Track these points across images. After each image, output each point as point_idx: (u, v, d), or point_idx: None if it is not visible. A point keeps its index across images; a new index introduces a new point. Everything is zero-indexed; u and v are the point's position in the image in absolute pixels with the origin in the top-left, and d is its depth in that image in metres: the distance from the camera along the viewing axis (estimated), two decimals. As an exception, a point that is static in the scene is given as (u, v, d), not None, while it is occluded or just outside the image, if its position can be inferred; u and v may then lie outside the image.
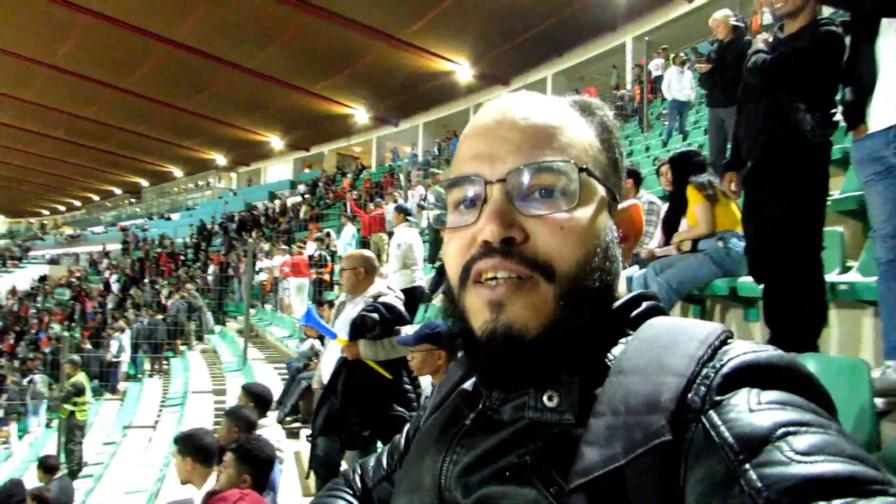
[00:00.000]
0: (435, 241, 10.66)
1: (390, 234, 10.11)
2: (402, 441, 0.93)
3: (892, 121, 2.58)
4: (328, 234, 14.57)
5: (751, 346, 0.57)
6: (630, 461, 0.53)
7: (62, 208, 54.39)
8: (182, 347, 14.96)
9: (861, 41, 2.69)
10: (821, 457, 0.47)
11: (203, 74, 23.87)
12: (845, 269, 3.62)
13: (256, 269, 14.84)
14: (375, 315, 3.84)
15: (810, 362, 2.64)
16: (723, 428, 0.51)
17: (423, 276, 7.48)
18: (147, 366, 14.83)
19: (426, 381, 3.91)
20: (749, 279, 3.54)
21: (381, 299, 3.98)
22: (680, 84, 10.16)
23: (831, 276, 3.38)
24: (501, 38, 20.38)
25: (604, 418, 0.57)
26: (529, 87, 22.31)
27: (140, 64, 23.21)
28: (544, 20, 19.11)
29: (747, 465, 0.48)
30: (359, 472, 0.97)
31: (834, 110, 3.04)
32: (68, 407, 9.68)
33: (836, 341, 3.47)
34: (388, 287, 4.22)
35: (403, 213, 7.60)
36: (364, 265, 4.17)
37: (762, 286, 3.30)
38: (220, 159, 37.24)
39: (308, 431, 5.26)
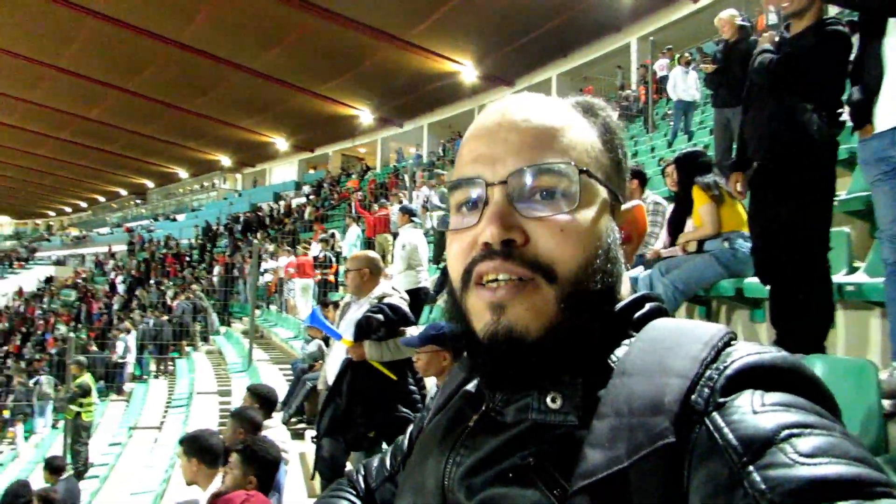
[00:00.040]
0: (440, 242, 10.65)
1: (395, 235, 10.12)
2: (406, 442, 0.93)
3: (899, 121, 2.57)
4: (332, 235, 14.58)
5: (754, 347, 0.57)
6: (633, 463, 0.53)
7: (68, 209, 54.57)
8: (187, 348, 14.99)
9: (869, 40, 2.68)
10: (825, 459, 0.46)
11: (208, 76, 23.94)
12: (852, 270, 3.60)
13: (261, 270, 14.86)
14: (380, 316, 3.84)
15: (817, 363, 2.63)
16: (726, 430, 0.51)
17: (427, 277, 7.48)
18: (153, 367, 14.87)
19: (431, 382, 3.91)
20: (755, 280, 3.52)
21: (385, 300, 3.97)
22: (685, 84, 10.15)
23: (838, 277, 3.36)
24: (506, 38, 20.39)
25: (607, 420, 0.57)
26: (534, 87, 22.33)
27: (145, 65, 23.30)
28: (549, 21, 19.11)
29: (751, 468, 0.48)
30: (362, 472, 0.97)
31: (841, 110, 3.03)
32: (74, 408, 9.70)
33: (843, 342, 3.46)
34: (393, 288, 4.22)
35: (408, 213, 7.60)
36: (369, 266, 4.16)
37: (768, 287, 3.29)
38: (226, 160, 37.35)
39: (313, 432, 5.26)
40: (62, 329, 22.15)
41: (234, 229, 26.06)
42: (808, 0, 3.03)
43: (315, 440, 4.16)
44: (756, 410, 0.51)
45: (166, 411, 10.54)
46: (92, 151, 34.58)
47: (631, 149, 11.68)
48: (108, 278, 28.47)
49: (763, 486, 0.46)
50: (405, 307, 4.03)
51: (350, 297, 4.37)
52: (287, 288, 13.83)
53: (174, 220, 38.69)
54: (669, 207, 4.81)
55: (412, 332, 3.79)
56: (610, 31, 20.65)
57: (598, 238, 0.67)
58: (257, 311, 12.79)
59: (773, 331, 3.33)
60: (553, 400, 0.63)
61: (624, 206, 0.73)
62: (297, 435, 6.76)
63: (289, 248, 15.41)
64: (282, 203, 29.23)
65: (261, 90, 25.07)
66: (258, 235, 21.72)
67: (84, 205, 52.59)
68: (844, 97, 3.08)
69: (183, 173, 41.40)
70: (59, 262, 38.72)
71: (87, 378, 10.14)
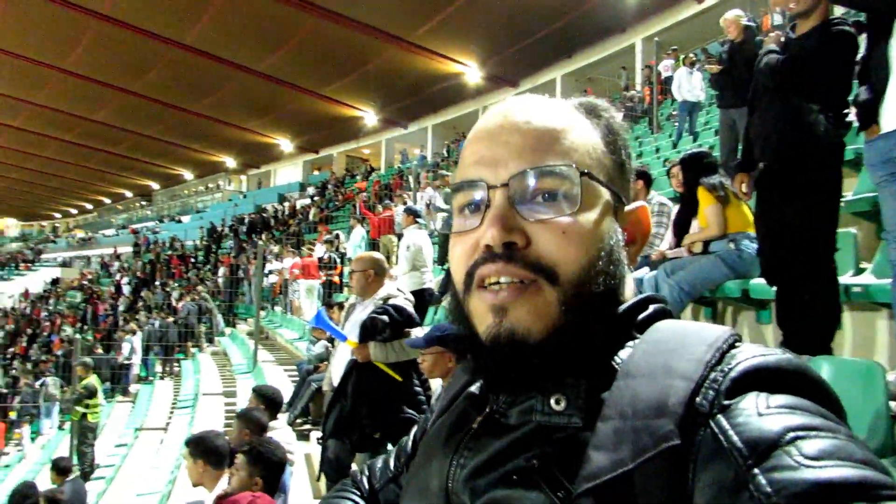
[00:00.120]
0: (444, 243, 10.64)
1: (399, 236, 10.12)
2: (409, 443, 0.94)
3: (905, 121, 2.56)
4: (337, 237, 14.59)
5: (759, 349, 0.57)
6: (638, 465, 0.53)
7: (74, 211, 54.75)
8: (192, 350, 15.01)
9: (876, 41, 2.67)
10: (830, 461, 0.46)
11: (213, 77, 23.98)
12: (859, 271, 3.59)
13: (266, 271, 14.88)
14: (385, 317, 3.84)
15: (824, 365, 2.62)
16: (731, 432, 0.50)
17: (432, 278, 7.48)
18: (158, 368, 14.89)
19: (436, 384, 3.90)
20: (761, 281, 3.52)
21: (390, 301, 3.97)
22: (690, 85, 10.13)
23: (845, 278, 3.35)
24: (510, 39, 20.37)
25: (611, 422, 0.56)
26: (538, 88, 22.31)
27: (150, 67, 23.36)
28: (553, 21, 19.09)
29: (756, 470, 0.47)
30: (366, 473, 0.97)
31: (847, 110, 3.02)
32: (80, 409, 9.72)
33: (850, 344, 3.45)
34: (398, 289, 4.21)
35: (413, 214, 7.60)
36: (374, 267, 4.16)
37: (774, 288, 3.28)
38: (230, 162, 37.42)
39: (318, 433, 5.26)
40: (68, 330, 22.20)
41: (239, 231, 26.11)
42: (814, 0, 3.03)
43: (320, 441, 4.16)
44: (761, 413, 0.51)
45: (172, 412, 10.57)
46: (97, 153, 34.68)
47: (636, 149, 11.67)
48: (113, 280, 28.54)
49: (768, 489, 0.46)
50: (410, 308, 4.03)
51: (355, 298, 4.36)
52: (292, 289, 13.84)
53: (179, 221, 38.76)
54: (675, 208, 4.80)
55: (417, 333, 3.79)
56: (614, 32, 20.61)
57: (600, 240, 0.67)
58: (262, 313, 12.80)
59: (779, 332, 3.32)
60: (557, 402, 0.63)
61: (628, 208, 0.73)
62: (303, 436, 6.77)
63: (293, 250, 15.42)
64: (286, 204, 29.26)
65: (265, 92, 25.10)
66: (263, 237, 21.75)
67: (89, 206, 52.74)
68: (851, 97, 3.07)
69: (188, 175, 41.48)
70: (65, 264, 38.85)
71: (93, 379, 10.16)
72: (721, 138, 6.87)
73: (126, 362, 14.64)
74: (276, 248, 17.14)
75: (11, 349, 25.24)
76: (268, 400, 4.60)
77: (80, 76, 24.24)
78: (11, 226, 59.27)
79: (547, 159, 0.66)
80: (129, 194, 47.96)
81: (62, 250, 43.50)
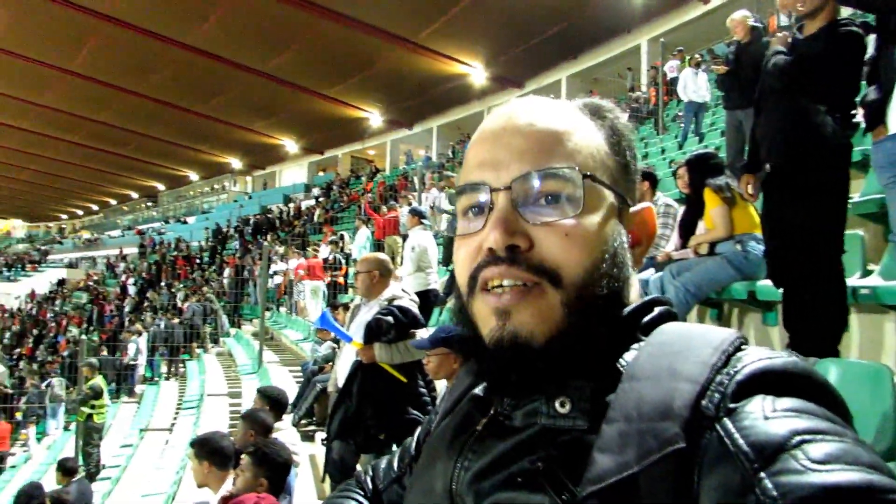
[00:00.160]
0: (449, 244, 10.63)
1: (404, 237, 10.12)
2: (413, 444, 0.94)
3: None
4: (341, 237, 14.60)
5: (765, 352, 0.57)
6: (643, 468, 0.52)
7: (80, 212, 54.95)
8: (198, 350, 15.04)
9: (884, 42, 2.66)
10: (837, 465, 0.46)
11: (219, 79, 24.06)
12: (866, 273, 3.57)
13: (271, 272, 14.90)
14: (390, 318, 3.83)
15: (831, 367, 2.61)
16: (737, 436, 0.50)
17: (437, 279, 7.47)
18: (163, 369, 14.92)
19: (441, 385, 3.90)
20: (768, 283, 3.50)
21: (395, 302, 3.97)
22: (695, 85, 10.12)
23: (852, 280, 3.34)
24: (515, 40, 20.39)
25: (616, 425, 0.56)
26: (544, 89, 22.31)
27: (156, 69, 23.44)
28: (559, 22, 19.09)
29: (763, 474, 0.47)
30: (370, 473, 0.97)
31: (854, 111, 3.01)
32: (86, 410, 9.74)
33: (857, 346, 3.43)
34: (403, 290, 4.21)
35: (418, 215, 7.60)
36: (379, 268, 4.16)
37: (781, 290, 3.26)
38: (236, 163, 37.53)
39: (323, 435, 5.26)
40: (74, 331, 22.27)
41: (245, 231, 26.18)
42: (821, 1, 3.01)
43: (325, 442, 4.16)
44: (767, 416, 0.50)
45: (177, 413, 10.59)
46: (103, 154, 34.79)
47: (641, 150, 11.65)
48: (119, 281, 28.63)
49: (775, 493, 0.46)
50: (415, 309, 4.03)
51: (360, 299, 4.36)
52: (297, 290, 13.87)
53: (185, 222, 38.89)
54: (680, 209, 4.79)
55: (422, 334, 3.79)
56: (620, 33, 20.60)
57: (603, 242, 0.66)
58: (267, 313, 12.82)
59: (785, 334, 3.31)
60: (562, 404, 0.63)
61: (633, 209, 0.73)
62: (307, 437, 6.77)
63: (298, 251, 15.44)
64: (291, 205, 29.31)
65: (271, 93, 25.17)
66: (268, 238, 21.79)
67: (95, 208, 52.92)
68: (858, 98, 3.06)
69: (193, 176, 41.61)
70: (71, 265, 38.99)
71: (98, 380, 10.18)
72: (727, 139, 6.85)
73: (132, 363, 14.66)
74: (281, 249, 17.18)
75: (18, 350, 25.35)
76: (273, 401, 4.61)
77: (86, 77, 24.34)
78: (18, 227, 59.56)
79: (550, 162, 0.66)
80: (134, 195, 48.11)
81: (68, 251, 43.66)
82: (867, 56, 3.03)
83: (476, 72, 23.01)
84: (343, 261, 13.42)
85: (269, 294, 14.60)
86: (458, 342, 3.08)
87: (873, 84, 2.77)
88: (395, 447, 3.96)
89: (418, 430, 0.95)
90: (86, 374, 10.22)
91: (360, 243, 12.89)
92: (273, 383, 7.27)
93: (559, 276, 0.64)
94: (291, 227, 24.39)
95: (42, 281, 36.45)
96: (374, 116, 28.26)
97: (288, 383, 8.53)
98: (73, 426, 11.04)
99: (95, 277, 33.04)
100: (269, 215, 27.77)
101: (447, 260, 10.32)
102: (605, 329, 0.65)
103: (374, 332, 3.83)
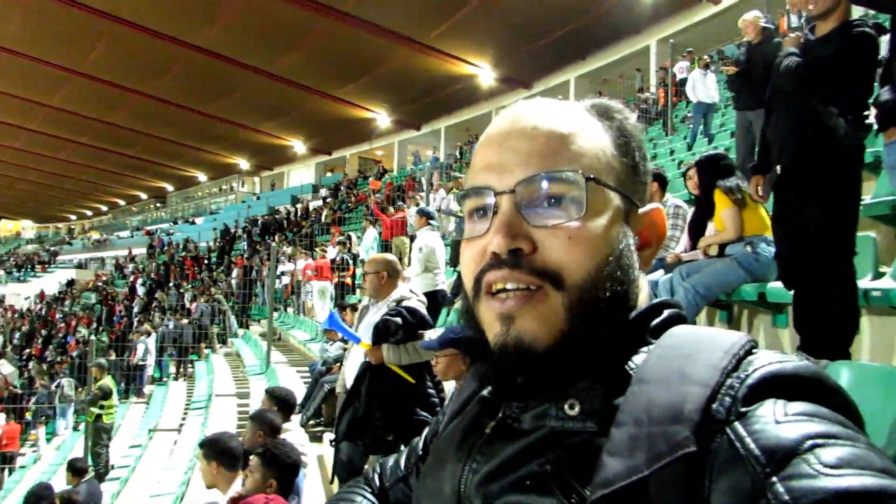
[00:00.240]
0: (457, 245, 10.61)
1: (412, 238, 10.11)
2: (421, 444, 0.94)
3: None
4: (349, 238, 14.62)
5: (776, 356, 0.56)
6: (653, 472, 0.52)
7: (89, 213, 55.25)
8: (206, 351, 15.08)
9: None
10: (850, 470, 0.46)
11: (227, 80, 24.13)
12: (878, 276, 3.55)
13: (279, 272, 14.92)
14: (398, 319, 3.83)
15: (843, 370, 2.59)
16: (749, 440, 0.50)
17: (445, 280, 7.47)
18: (172, 369, 14.97)
19: (449, 386, 3.89)
20: (778, 284, 3.49)
21: (403, 303, 3.97)
22: (704, 86, 10.08)
23: (864, 283, 3.32)
24: (524, 41, 20.36)
25: (626, 428, 0.56)
26: (552, 90, 22.29)
27: (165, 70, 23.54)
28: (567, 23, 19.06)
29: (774, 478, 0.47)
30: (378, 471, 0.98)
31: (867, 112, 2.98)
32: (95, 410, 9.77)
33: (869, 349, 3.41)
34: (411, 291, 4.20)
35: (425, 216, 7.59)
36: (387, 269, 4.15)
37: (792, 292, 3.25)
38: (244, 164, 37.66)
39: (331, 435, 5.26)
40: (83, 332, 22.37)
41: (253, 232, 26.25)
42: (833, 1, 2.99)
43: (333, 443, 4.16)
44: (779, 420, 0.50)
45: (185, 413, 10.61)
46: (112, 155, 34.97)
47: (650, 151, 11.55)
48: (127, 281, 28.76)
49: (787, 497, 0.45)
50: (423, 310, 4.02)
51: (368, 300, 4.36)
52: (305, 290, 13.89)
53: (193, 223, 39.07)
54: (690, 211, 4.77)
55: (430, 335, 3.79)
56: (629, 34, 20.54)
57: (608, 245, 0.66)
58: (275, 314, 12.84)
59: (795, 336, 3.29)
60: (571, 407, 0.63)
61: (642, 210, 0.73)
62: (315, 437, 6.77)
63: (306, 251, 15.46)
64: (299, 206, 29.37)
65: (279, 94, 25.22)
66: (276, 238, 21.84)
67: (105, 208, 53.22)
68: (871, 99, 3.03)
69: (202, 177, 41.77)
70: (81, 266, 39.21)
71: (107, 380, 10.22)
72: (737, 140, 6.83)
73: (140, 363, 14.71)
74: (288, 250, 17.21)
75: (27, 350, 25.50)
76: (281, 401, 4.61)
77: (96, 79, 24.47)
78: (28, 228, 59.93)
79: (554, 165, 0.66)
80: (143, 196, 48.34)
81: (77, 252, 43.94)
82: (880, 57, 3.01)
83: (484, 72, 23.01)
84: (351, 261, 13.43)
85: (276, 294, 14.62)
86: (465, 343, 3.09)
87: (886, 85, 2.75)
88: (403, 448, 3.96)
89: (426, 430, 0.95)
90: (95, 374, 10.25)
91: (367, 244, 12.89)
92: (281, 384, 7.28)
93: (562, 279, 0.64)
94: (299, 228, 24.43)
95: (51, 281, 36.70)
96: (381, 117, 28.30)
97: (296, 384, 8.53)
98: (82, 426, 11.08)
99: (104, 278, 33.24)
100: (277, 216, 27.87)
101: (455, 261, 10.31)
102: (609, 331, 0.65)
103: (382, 332, 3.83)
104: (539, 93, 20.82)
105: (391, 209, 14.18)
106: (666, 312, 0.69)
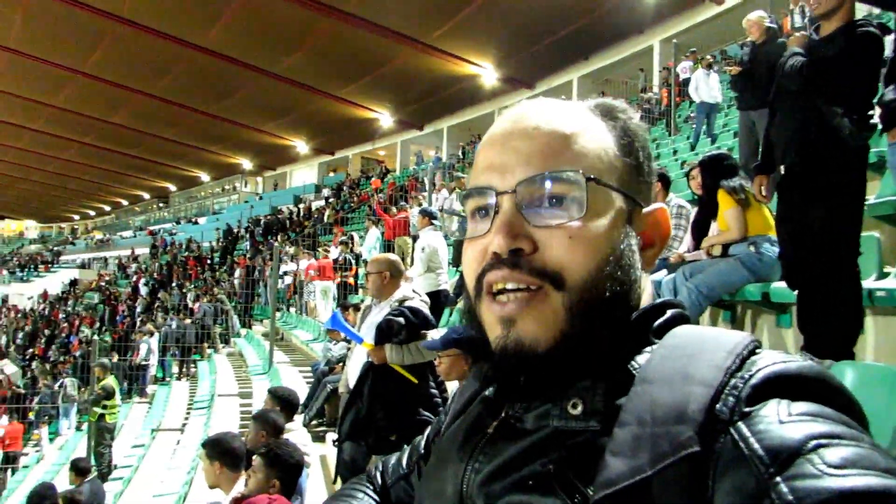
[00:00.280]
0: (459, 245, 10.59)
1: (414, 238, 10.12)
2: (423, 443, 0.95)
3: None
4: (351, 238, 14.63)
5: (780, 356, 0.56)
6: (657, 472, 0.52)
7: (92, 213, 55.32)
8: (208, 351, 15.09)
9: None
10: (854, 470, 0.45)
11: (230, 80, 24.16)
12: (882, 276, 3.54)
13: (281, 272, 14.93)
14: (401, 319, 3.82)
15: (848, 370, 2.59)
16: (752, 440, 0.50)
17: (447, 280, 7.47)
18: (175, 369, 14.98)
19: (452, 386, 3.89)
20: (782, 284, 3.48)
21: (406, 303, 3.96)
22: (707, 86, 10.07)
23: (868, 283, 3.31)
24: (527, 41, 20.35)
25: (629, 428, 0.56)
26: (554, 90, 22.27)
27: (168, 70, 23.58)
28: (570, 23, 19.04)
29: (778, 478, 0.47)
30: (380, 468, 0.99)
31: (871, 112, 2.98)
32: (98, 410, 9.79)
33: (873, 349, 3.40)
34: (414, 291, 4.20)
35: (428, 216, 7.59)
36: (389, 269, 4.15)
37: (796, 292, 3.24)
38: (247, 164, 37.68)
39: (334, 435, 5.26)
40: (86, 332, 22.40)
41: (255, 232, 26.25)
42: (836, 1, 2.99)
43: (336, 443, 4.16)
44: (783, 420, 0.50)
45: (188, 413, 10.62)
46: (115, 155, 35.03)
47: (653, 151, 11.57)
48: (130, 281, 28.79)
49: (791, 497, 0.45)
50: (426, 310, 4.02)
51: (370, 300, 4.36)
52: (307, 290, 13.89)
53: (196, 223, 39.09)
54: (693, 211, 4.77)
55: (433, 335, 3.78)
56: (632, 34, 20.52)
57: (609, 245, 0.66)
58: (277, 314, 12.85)
59: (799, 336, 3.29)
60: (574, 406, 0.63)
61: (646, 209, 0.73)
62: (318, 437, 6.77)
63: (308, 251, 15.47)
64: (302, 206, 29.38)
65: (282, 94, 25.24)
66: (278, 238, 21.85)
67: (107, 208, 53.28)
68: (875, 99, 3.02)
69: (205, 177, 41.80)
70: (84, 266, 39.25)
71: (110, 380, 10.23)
72: (740, 140, 6.82)
73: (143, 363, 14.73)
74: (291, 250, 17.22)
75: (30, 350, 25.53)
76: (284, 401, 4.61)
77: (99, 79, 24.51)
78: (31, 227, 60.03)
79: (555, 165, 0.66)
80: (146, 196, 48.40)
81: (80, 252, 43.98)
82: (884, 56, 3.00)
83: (487, 73, 23.00)
84: (353, 261, 13.44)
85: (279, 294, 14.62)
86: (468, 344, 3.09)
87: (890, 84, 2.74)
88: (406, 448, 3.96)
89: (428, 429, 0.96)
90: (98, 374, 10.27)
91: (369, 244, 12.89)
92: (283, 384, 7.28)
93: (562, 280, 0.64)
94: (302, 228, 24.43)
95: (54, 281, 36.74)
96: (384, 117, 28.30)
97: (298, 384, 8.54)
98: (85, 426, 11.10)
99: (107, 278, 33.26)
100: (280, 216, 27.85)
101: (457, 261, 10.31)
102: (610, 331, 0.65)
103: (384, 332, 3.82)
104: (542, 93, 20.79)
105: (394, 209, 14.18)
106: (669, 312, 0.69)
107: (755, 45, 6.23)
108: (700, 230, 4.45)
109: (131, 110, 27.87)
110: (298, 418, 6.31)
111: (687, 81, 12.29)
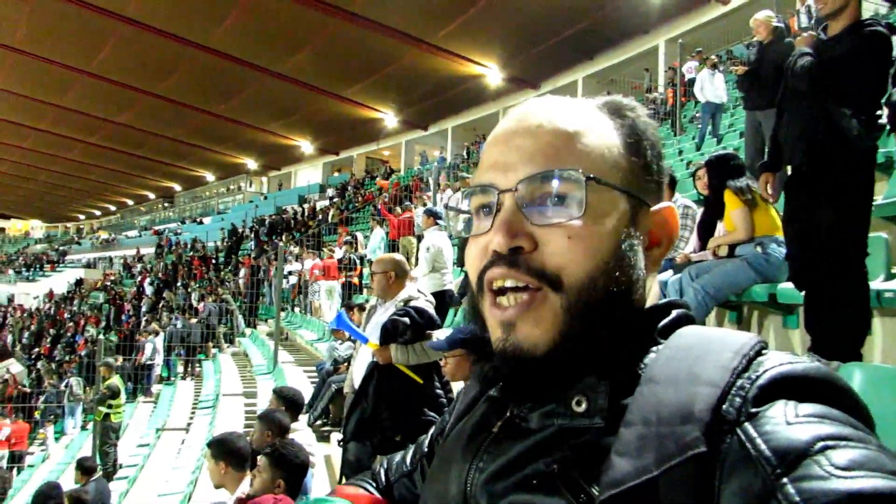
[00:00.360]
0: (464, 245, 10.58)
1: (419, 238, 10.11)
2: (427, 441, 0.95)
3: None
4: (354, 238, 14.64)
5: (786, 357, 0.56)
6: (663, 472, 0.52)
7: (98, 213, 55.47)
8: (213, 350, 15.11)
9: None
10: (861, 472, 0.45)
11: (235, 80, 24.18)
12: (890, 276, 3.52)
13: (285, 272, 14.94)
14: (406, 319, 3.83)
15: (856, 371, 2.57)
16: (759, 441, 0.50)
17: (452, 280, 7.47)
18: (180, 368, 15.00)
19: (458, 386, 3.88)
20: (789, 285, 3.46)
21: (411, 303, 3.96)
22: (712, 86, 10.04)
23: (876, 284, 3.30)
24: (532, 41, 20.32)
25: (634, 428, 0.56)
26: (559, 90, 22.22)
27: (173, 70, 23.62)
28: (575, 23, 19.01)
29: (785, 479, 0.47)
30: (384, 466, 0.99)
31: (880, 112, 2.96)
32: (103, 409, 9.81)
33: (880, 350, 3.39)
34: (419, 291, 4.20)
35: (433, 216, 7.59)
36: (395, 269, 4.15)
37: (803, 293, 3.22)
38: (252, 163, 37.72)
39: (338, 435, 5.26)
40: (92, 331, 22.46)
41: (260, 232, 26.27)
42: (842, 1, 2.97)
43: (341, 444, 4.16)
44: (790, 421, 0.50)
45: (193, 413, 10.64)
46: (121, 155, 35.12)
47: (658, 151, 11.54)
48: (135, 281, 28.86)
49: (797, 499, 0.45)
50: (431, 310, 4.02)
51: (376, 300, 4.36)
52: (312, 290, 13.90)
53: (201, 222, 39.15)
54: (699, 211, 4.75)
55: (438, 335, 3.78)
56: (637, 34, 20.46)
57: (609, 244, 0.66)
58: (282, 314, 12.86)
59: (805, 337, 3.27)
60: (578, 403, 0.63)
61: (654, 208, 0.72)
62: (323, 438, 6.78)
63: (313, 251, 15.48)
64: (306, 206, 29.40)
65: (287, 94, 25.26)
66: (283, 238, 21.86)
67: (113, 208, 53.41)
68: (883, 99, 3.01)
69: (210, 176, 41.87)
70: (89, 265, 39.37)
71: (116, 380, 10.26)
72: (746, 140, 6.80)
73: (148, 363, 14.77)
74: (296, 250, 17.23)
75: (36, 349, 25.61)
76: (289, 401, 4.61)
77: (105, 79, 24.56)
78: (37, 227, 60.24)
79: (557, 163, 0.66)
80: (151, 196, 48.50)
81: (86, 251, 44.12)
82: (893, 56, 2.98)
83: (492, 73, 22.97)
84: (358, 261, 13.44)
85: (283, 294, 14.64)
86: (474, 344, 3.08)
87: (898, 84, 2.73)
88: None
89: (432, 428, 0.97)
90: (103, 373, 10.30)
91: (374, 244, 12.89)
92: (288, 383, 7.29)
93: (560, 280, 0.64)
94: (306, 228, 24.44)
95: (60, 281, 36.87)
96: (389, 117, 28.31)
97: (303, 384, 8.55)
98: (90, 425, 11.13)
99: (113, 277, 33.38)
100: (285, 216, 27.86)
101: (462, 261, 10.28)
102: (610, 332, 0.65)
103: (389, 333, 3.83)
104: (546, 93, 20.64)
105: (398, 209, 14.17)
106: (674, 313, 0.69)
107: (762, 44, 6.21)
108: (706, 230, 4.43)
109: (136, 110, 27.93)
110: (303, 418, 6.31)
111: (692, 81, 12.26)
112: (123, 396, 10.58)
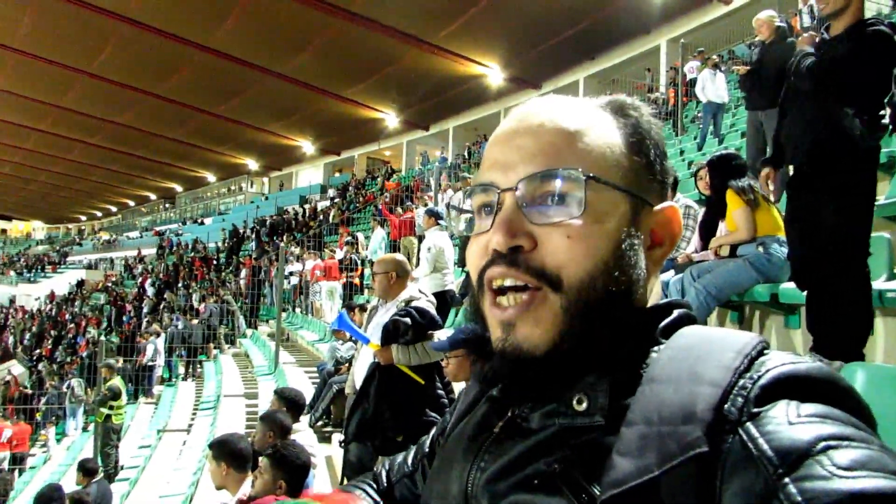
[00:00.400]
0: (465, 245, 10.58)
1: (420, 238, 10.11)
2: (428, 442, 0.95)
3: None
4: (355, 238, 14.64)
5: (788, 357, 0.56)
6: (665, 472, 0.52)
7: (99, 214, 55.56)
8: (214, 351, 15.11)
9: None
10: (863, 472, 0.45)
11: (236, 80, 24.21)
12: (892, 276, 3.52)
13: (286, 272, 14.94)
14: (408, 320, 3.82)
15: (858, 371, 2.56)
16: (761, 440, 0.50)
17: (453, 280, 7.46)
18: (181, 369, 15.00)
19: (459, 387, 3.88)
20: (791, 285, 3.46)
21: (413, 304, 3.96)
22: (714, 86, 10.04)
23: (878, 283, 3.29)
24: (533, 41, 20.34)
25: (636, 427, 0.56)
26: (561, 90, 22.22)
27: (175, 71, 23.65)
28: (577, 23, 19.02)
29: (787, 479, 0.46)
30: (386, 467, 0.99)
31: (883, 112, 2.95)
32: (104, 410, 9.81)
33: (883, 350, 3.38)
34: (420, 291, 4.19)
35: (434, 216, 7.58)
36: (396, 269, 4.15)
37: (805, 292, 3.22)
38: (253, 164, 37.77)
39: (340, 436, 5.26)
40: (93, 332, 22.47)
41: (261, 232, 26.27)
42: (844, 0, 2.96)
43: (343, 444, 4.15)
44: (792, 421, 0.50)
45: (194, 414, 10.63)
46: (122, 156, 35.18)
47: (659, 151, 11.55)
48: (137, 282, 28.87)
49: (799, 499, 0.45)
50: (432, 310, 4.01)
51: (377, 300, 4.36)
52: (313, 290, 13.90)
53: (202, 223, 39.19)
54: (701, 211, 4.75)
55: (440, 335, 3.77)
56: (639, 34, 20.47)
57: (609, 244, 0.66)
58: (283, 314, 12.86)
59: (808, 337, 3.27)
60: (579, 402, 0.63)
61: (657, 207, 0.72)
62: (324, 438, 6.77)
63: (314, 252, 15.48)
64: (307, 206, 29.42)
65: (288, 94, 25.30)
66: (284, 238, 21.86)
67: (114, 209, 53.49)
68: (886, 99, 3.00)
69: (211, 177, 41.93)
70: (90, 266, 39.39)
71: (117, 381, 10.26)
72: (748, 140, 6.79)
73: (150, 364, 14.76)
74: (297, 250, 17.23)
75: (37, 351, 25.62)
76: (290, 402, 4.61)
77: (106, 79, 24.60)
78: (38, 228, 60.31)
79: (558, 163, 0.66)
80: (152, 197, 48.57)
81: (87, 253, 44.16)
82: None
83: (493, 73, 23.00)
84: (359, 262, 13.44)
85: (285, 295, 14.64)
86: (475, 344, 3.08)
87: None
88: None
89: (434, 428, 0.96)
90: (104, 374, 10.30)
91: (375, 244, 12.89)
92: (289, 384, 7.28)
93: (560, 280, 0.64)
94: (307, 228, 24.43)
95: (61, 282, 36.88)
96: (390, 117, 28.35)
97: (304, 384, 8.54)
98: (91, 427, 11.12)
99: (114, 278, 33.40)
100: (286, 216, 27.87)
101: (463, 261, 10.29)
102: (610, 331, 0.65)
103: (391, 333, 3.82)
104: (548, 93, 20.65)
105: (399, 209, 14.17)
106: (675, 312, 0.69)
107: (764, 44, 6.20)
108: (708, 230, 4.43)
109: (137, 111, 27.97)
110: (304, 419, 6.31)
111: (694, 81, 12.26)
112: (125, 398, 10.58)
